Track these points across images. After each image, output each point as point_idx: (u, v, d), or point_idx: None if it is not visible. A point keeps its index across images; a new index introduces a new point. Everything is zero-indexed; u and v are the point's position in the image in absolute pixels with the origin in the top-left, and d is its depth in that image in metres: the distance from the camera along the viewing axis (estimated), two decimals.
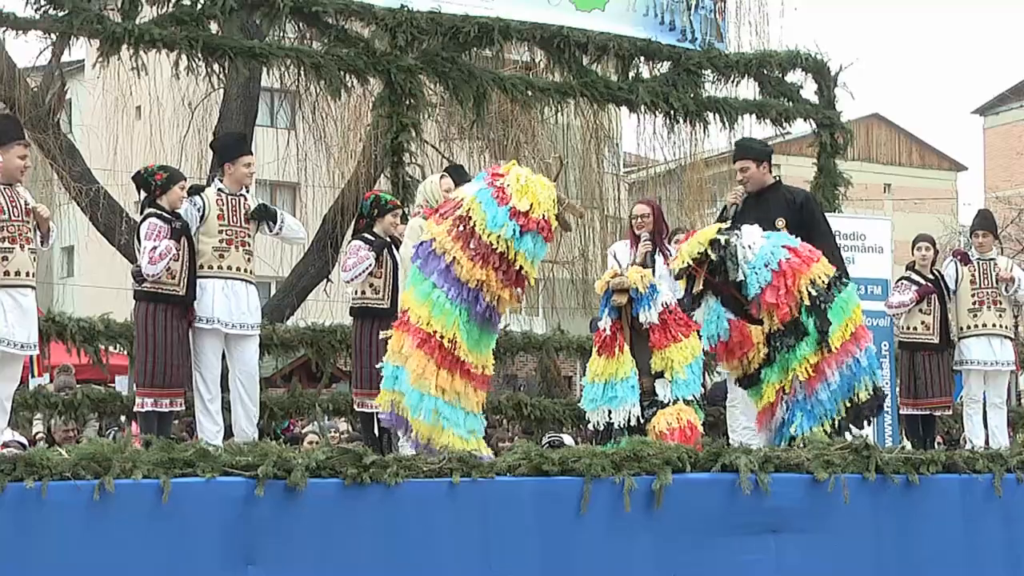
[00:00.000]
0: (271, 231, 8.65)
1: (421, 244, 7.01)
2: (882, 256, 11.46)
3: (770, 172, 8.75)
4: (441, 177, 9.03)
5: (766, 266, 7.61)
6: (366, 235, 8.91)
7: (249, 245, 8.50)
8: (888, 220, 12.24)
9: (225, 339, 8.40)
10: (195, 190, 8.58)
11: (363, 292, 8.85)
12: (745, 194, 8.62)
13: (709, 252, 7.60)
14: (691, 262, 7.64)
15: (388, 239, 8.91)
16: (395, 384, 6.99)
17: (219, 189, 8.52)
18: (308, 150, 18.52)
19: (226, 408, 8.55)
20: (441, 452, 6.59)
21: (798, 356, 7.65)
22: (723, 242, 7.61)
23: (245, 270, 8.44)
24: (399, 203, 9.20)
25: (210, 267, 8.34)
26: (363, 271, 8.73)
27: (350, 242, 9.24)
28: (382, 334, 7.46)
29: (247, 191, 8.65)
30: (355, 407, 9.11)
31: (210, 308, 8.28)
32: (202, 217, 8.36)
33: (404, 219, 9.70)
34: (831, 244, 8.44)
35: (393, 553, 6.09)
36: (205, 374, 8.37)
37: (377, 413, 7.61)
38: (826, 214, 9.40)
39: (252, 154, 8.69)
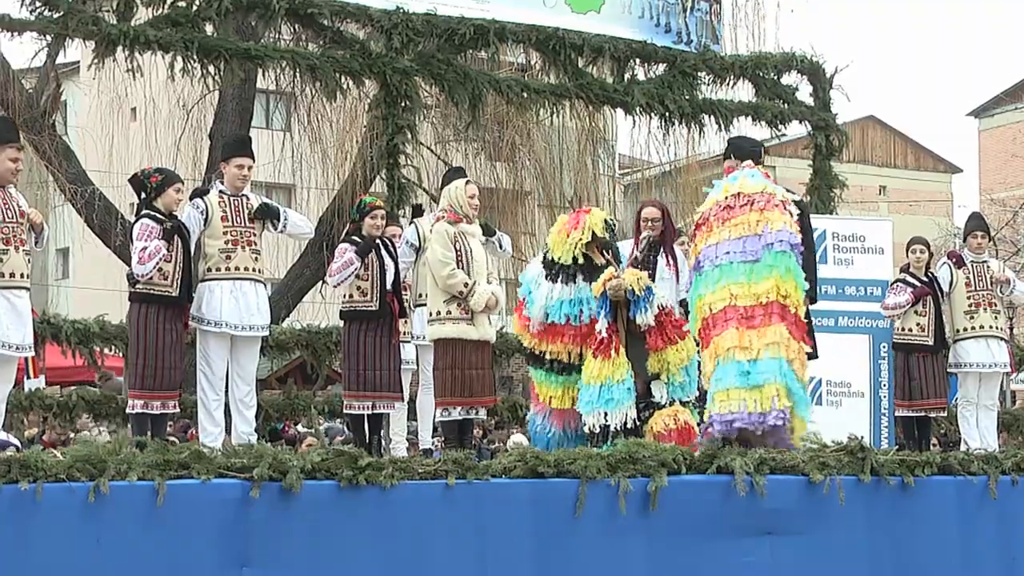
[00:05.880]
0: (276, 229, 8.64)
1: (782, 232, 7.46)
2: (883, 257, 11.44)
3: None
4: (467, 183, 8.84)
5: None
6: (354, 237, 8.86)
7: (256, 244, 8.47)
8: (888, 221, 12.15)
9: (231, 340, 8.39)
10: (198, 193, 8.57)
11: (351, 295, 8.78)
12: None
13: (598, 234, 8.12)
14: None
15: (377, 241, 8.84)
16: (763, 378, 7.23)
17: (220, 191, 8.50)
18: (303, 152, 18.47)
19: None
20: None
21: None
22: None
23: (253, 269, 8.42)
24: (379, 204, 9.10)
25: (218, 269, 8.32)
26: (348, 275, 8.67)
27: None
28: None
29: (248, 191, 8.63)
30: (344, 410, 9.09)
31: (218, 311, 8.25)
32: (206, 220, 8.35)
33: (391, 218, 9.65)
34: None
35: (388, 555, 6.09)
36: (211, 377, 8.33)
37: (735, 416, 7.33)
38: (816, 215, 9.61)
39: (247, 156, 8.62)
